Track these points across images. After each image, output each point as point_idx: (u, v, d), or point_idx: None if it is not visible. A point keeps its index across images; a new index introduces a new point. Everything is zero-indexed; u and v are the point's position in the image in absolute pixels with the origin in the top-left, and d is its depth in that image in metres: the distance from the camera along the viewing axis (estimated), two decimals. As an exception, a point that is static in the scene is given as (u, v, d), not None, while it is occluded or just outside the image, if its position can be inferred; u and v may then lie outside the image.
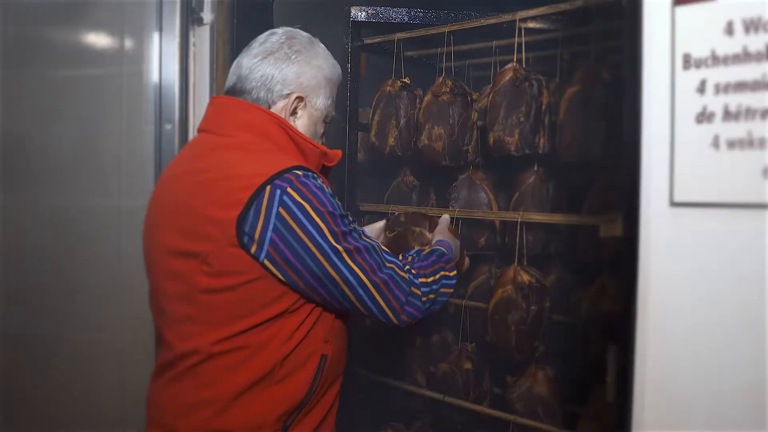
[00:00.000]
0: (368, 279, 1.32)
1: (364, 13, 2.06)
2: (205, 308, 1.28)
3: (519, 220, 1.79)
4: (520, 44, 1.80)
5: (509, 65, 1.83)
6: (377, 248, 1.37)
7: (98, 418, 2.05)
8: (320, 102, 1.45)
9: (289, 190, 1.23)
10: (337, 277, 1.28)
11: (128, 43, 2.01)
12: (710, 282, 0.89)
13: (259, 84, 1.37)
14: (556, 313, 1.85)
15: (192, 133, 2.01)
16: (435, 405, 2.02)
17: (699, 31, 0.89)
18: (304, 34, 1.46)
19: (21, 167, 2.07)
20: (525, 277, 1.78)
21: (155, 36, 1.98)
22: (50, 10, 2.04)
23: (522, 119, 1.77)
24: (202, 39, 2.00)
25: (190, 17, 1.99)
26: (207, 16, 1.99)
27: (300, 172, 1.26)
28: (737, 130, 0.86)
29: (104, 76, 2.03)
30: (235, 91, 1.41)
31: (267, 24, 2.14)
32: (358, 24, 2.08)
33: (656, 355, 0.93)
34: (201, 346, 1.28)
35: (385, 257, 1.39)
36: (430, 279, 1.50)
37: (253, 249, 1.23)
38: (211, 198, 1.26)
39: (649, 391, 0.94)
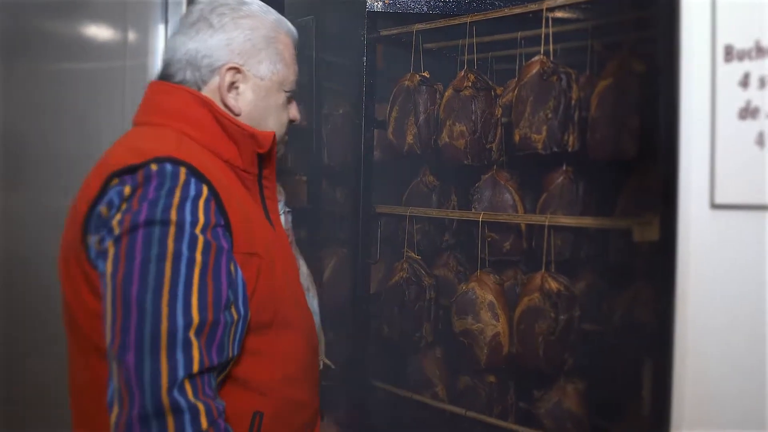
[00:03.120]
0: (121, 338, 0.99)
1: (380, 3, 2.06)
2: None
3: (546, 223, 1.79)
4: (547, 35, 1.79)
5: (536, 57, 1.83)
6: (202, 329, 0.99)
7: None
8: (264, 68, 1.23)
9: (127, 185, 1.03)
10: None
11: (132, 36, 2.02)
12: (755, 291, 0.88)
13: (183, 64, 1.20)
14: (586, 322, 1.83)
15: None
16: (456, 420, 2.02)
17: (742, 20, 0.88)
18: None
19: (21, 164, 2.10)
20: (553, 285, 1.78)
21: (160, 28, 1.99)
22: (52, 2, 2.06)
23: (550, 115, 1.76)
24: (208, 32, 2.01)
25: (197, 9, 2.01)
26: (215, 7, 2.01)
27: (155, 167, 1.03)
28: (784, 126, 0.85)
29: (107, 69, 2.04)
30: (163, 77, 1.24)
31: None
32: (374, 14, 2.08)
33: (696, 369, 0.92)
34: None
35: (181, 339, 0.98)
36: None
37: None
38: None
39: (689, 408, 0.93)
